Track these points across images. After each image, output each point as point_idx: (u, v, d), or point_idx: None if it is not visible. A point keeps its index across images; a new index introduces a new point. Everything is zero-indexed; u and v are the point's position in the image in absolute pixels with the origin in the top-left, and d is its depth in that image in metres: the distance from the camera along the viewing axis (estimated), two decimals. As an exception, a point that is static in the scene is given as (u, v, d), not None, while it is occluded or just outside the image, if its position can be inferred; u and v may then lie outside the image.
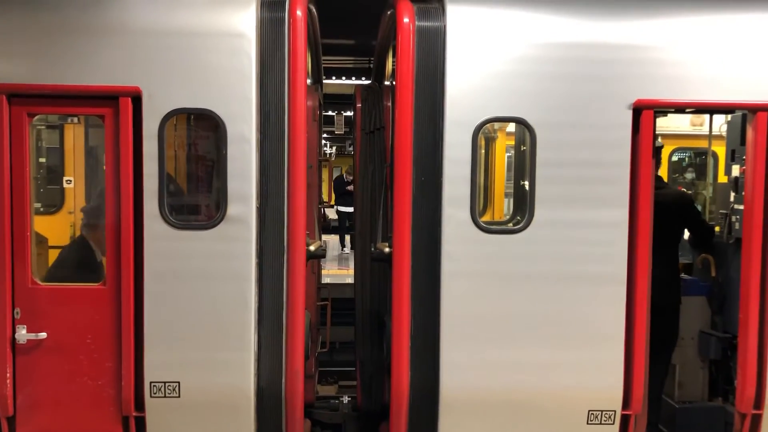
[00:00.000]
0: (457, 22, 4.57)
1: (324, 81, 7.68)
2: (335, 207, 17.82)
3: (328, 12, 5.95)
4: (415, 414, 4.72)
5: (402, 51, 4.57)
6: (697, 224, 5.87)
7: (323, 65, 7.18)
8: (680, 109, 4.91)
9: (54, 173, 7.11)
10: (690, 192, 8.07)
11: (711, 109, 5.12)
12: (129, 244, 4.47)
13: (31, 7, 4.50)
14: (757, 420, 4.80)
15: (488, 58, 4.58)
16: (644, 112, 4.60)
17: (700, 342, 5.73)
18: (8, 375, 4.49)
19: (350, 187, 17.18)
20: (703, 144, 7.69)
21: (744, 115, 4.99)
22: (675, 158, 9.75)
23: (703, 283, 5.83)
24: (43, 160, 7.22)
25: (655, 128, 4.71)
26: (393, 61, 5.15)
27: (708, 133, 6.21)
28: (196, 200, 5.06)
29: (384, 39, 5.73)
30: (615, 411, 4.69)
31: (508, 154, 7.65)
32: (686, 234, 6.02)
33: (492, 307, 4.64)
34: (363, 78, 13.63)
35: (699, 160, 10.06)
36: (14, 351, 4.52)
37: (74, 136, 6.93)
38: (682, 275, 6.02)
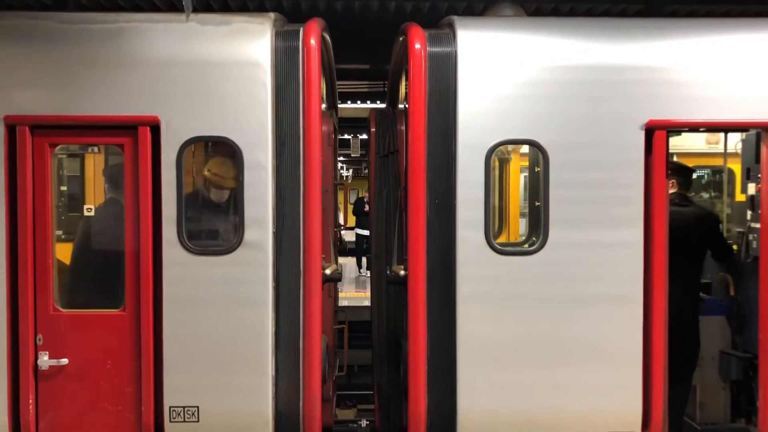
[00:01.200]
0: (468, 47, 4.64)
1: (340, 105, 7.78)
2: (354, 229, 17.87)
3: (342, 38, 6.05)
4: None
5: (414, 76, 4.64)
6: (716, 245, 5.85)
7: (339, 90, 7.27)
8: (693, 128, 4.92)
9: (75, 201, 7.22)
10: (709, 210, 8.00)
11: (724, 128, 5.12)
12: (148, 270, 4.53)
13: (51, 41, 4.62)
14: (781, 441, 4.74)
15: (499, 82, 4.63)
16: (657, 133, 4.61)
17: (720, 362, 5.68)
18: (31, 401, 4.55)
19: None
20: (719, 162, 7.66)
21: (758, 133, 4.99)
22: (693, 176, 9.71)
23: (722, 302, 5.79)
24: (64, 188, 7.34)
25: (668, 148, 4.72)
26: (406, 86, 5.22)
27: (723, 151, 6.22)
28: (214, 226, 5.12)
29: (397, 64, 5.81)
30: None
31: (523, 174, 7.67)
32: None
33: (508, 329, 4.64)
34: (378, 101, 13.75)
35: (718, 177, 9.99)
36: (36, 377, 4.60)
37: (95, 164, 7.04)
38: (701, 295, 5.98)
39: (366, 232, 17.42)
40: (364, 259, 18.15)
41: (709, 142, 8.50)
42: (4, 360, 4.54)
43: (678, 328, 5.11)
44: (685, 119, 4.66)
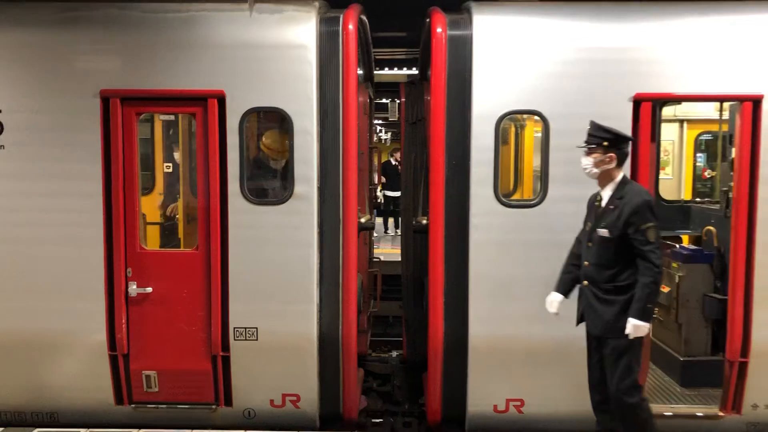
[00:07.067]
0: (482, 31, 5.41)
1: (379, 72, 8.53)
2: (382, 192, 17.79)
3: (381, 6, 6.76)
4: (448, 358, 5.63)
5: (435, 56, 5.45)
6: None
7: (378, 57, 8.00)
8: (679, 100, 5.61)
9: (147, 160, 8.18)
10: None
11: (702, 99, 5.79)
12: (216, 217, 5.49)
13: (136, 27, 5.52)
14: (743, 367, 5.55)
15: (508, 60, 5.39)
16: (643, 104, 5.34)
17: (703, 304, 6.40)
18: (123, 322, 5.61)
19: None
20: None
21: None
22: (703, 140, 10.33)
23: (707, 252, 6.50)
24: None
25: (654, 118, 5.44)
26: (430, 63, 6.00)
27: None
28: (269, 181, 6.04)
29: (424, 42, 6.60)
30: None
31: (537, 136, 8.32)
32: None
33: (512, 269, 5.48)
34: (414, 68, 14.35)
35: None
36: (127, 302, 5.63)
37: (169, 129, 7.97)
38: (690, 246, 6.72)
39: (393, 194, 16.73)
40: (390, 220, 18.01)
41: (717, 110, 9.05)
42: (102, 289, 5.58)
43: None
44: (668, 92, 5.38)
